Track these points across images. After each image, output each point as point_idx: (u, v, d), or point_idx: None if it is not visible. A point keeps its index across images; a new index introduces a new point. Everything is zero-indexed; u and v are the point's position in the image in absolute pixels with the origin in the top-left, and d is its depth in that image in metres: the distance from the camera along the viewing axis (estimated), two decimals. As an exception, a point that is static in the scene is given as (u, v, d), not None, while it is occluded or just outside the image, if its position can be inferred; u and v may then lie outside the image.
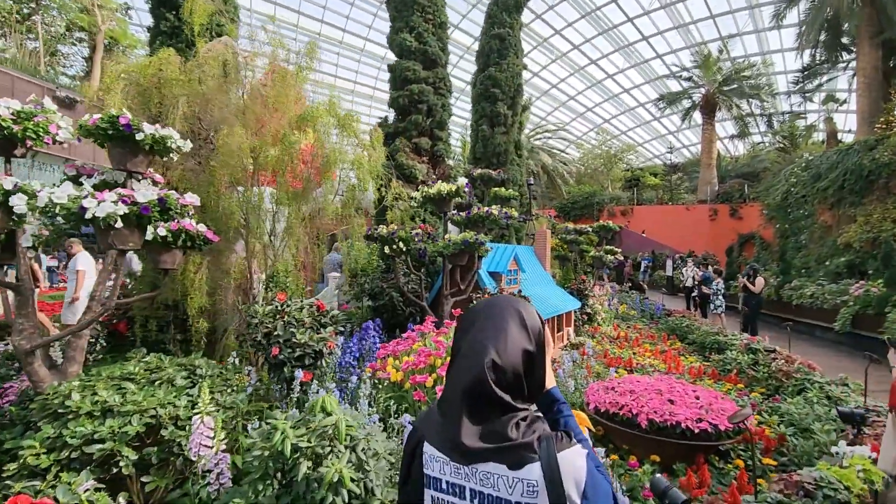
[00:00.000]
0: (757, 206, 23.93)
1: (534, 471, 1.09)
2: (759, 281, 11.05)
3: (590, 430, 4.73)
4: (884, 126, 14.60)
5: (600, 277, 23.04)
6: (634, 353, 8.65)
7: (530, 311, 1.28)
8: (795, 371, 6.34)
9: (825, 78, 24.27)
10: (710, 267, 13.70)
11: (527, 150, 28.32)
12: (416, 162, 8.31)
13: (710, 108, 29.32)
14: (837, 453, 3.67)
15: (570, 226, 12.17)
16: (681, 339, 10.27)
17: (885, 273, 10.46)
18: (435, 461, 1.26)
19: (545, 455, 1.10)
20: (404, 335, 4.75)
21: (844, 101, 26.89)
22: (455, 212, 6.46)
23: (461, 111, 33.35)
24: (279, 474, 2.77)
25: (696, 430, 4.08)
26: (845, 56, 21.66)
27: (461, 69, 32.66)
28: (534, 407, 1.31)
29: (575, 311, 10.32)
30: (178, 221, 3.78)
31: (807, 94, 26.54)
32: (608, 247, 11.99)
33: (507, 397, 1.16)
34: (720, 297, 11.37)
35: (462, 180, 6.11)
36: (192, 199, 3.58)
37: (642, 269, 22.54)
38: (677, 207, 29.85)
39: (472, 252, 6.02)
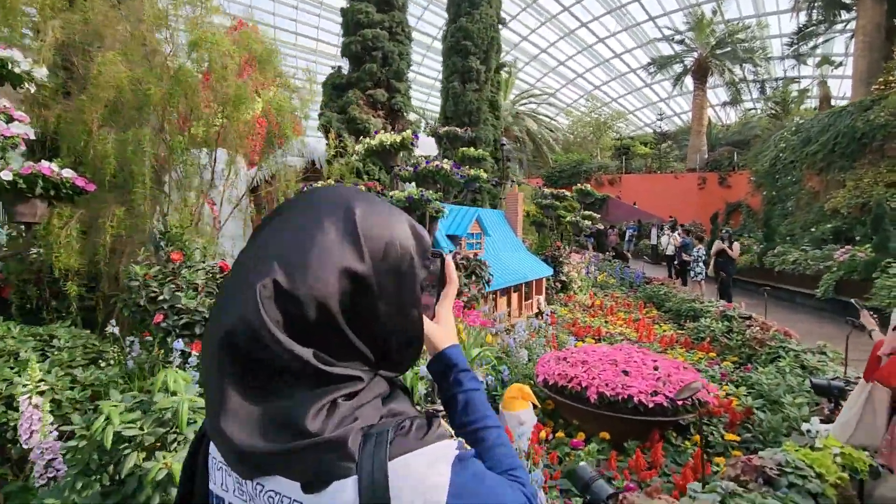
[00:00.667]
0: (746, 175, 23.41)
1: (344, 495, 0.60)
2: (736, 246, 10.60)
3: (535, 405, 4.24)
4: (882, 87, 13.93)
5: (583, 246, 22.61)
6: (606, 322, 8.18)
7: (381, 211, 0.70)
8: (770, 339, 5.87)
9: (821, 39, 23.37)
10: (689, 233, 13.20)
11: (511, 115, 27.42)
12: (371, 116, 7.60)
13: (702, 73, 28.43)
14: (808, 431, 3.18)
15: (547, 190, 11.55)
16: (658, 308, 9.83)
17: (873, 238, 9.99)
18: (217, 469, 0.73)
19: (368, 464, 0.59)
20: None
21: (840, 64, 26.06)
22: (401, 167, 5.84)
23: (432, 70, 31.53)
24: (111, 468, 2.21)
25: (651, 405, 3.58)
26: (844, 15, 20.77)
27: (429, 23, 30.77)
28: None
29: (548, 279, 9.80)
30: (32, 165, 3.12)
31: (801, 58, 25.65)
32: (586, 212, 11.40)
33: (307, 355, 0.61)
34: (700, 263, 10.89)
35: (409, 132, 5.45)
36: (20, 129, 2.90)
37: (627, 238, 22.04)
38: (666, 176, 29.27)
39: (421, 211, 5.40)
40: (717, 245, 10.65)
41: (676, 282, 12.15)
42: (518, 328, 5.02)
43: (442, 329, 0.93)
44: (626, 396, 3.62)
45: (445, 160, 5.59)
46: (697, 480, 3.30)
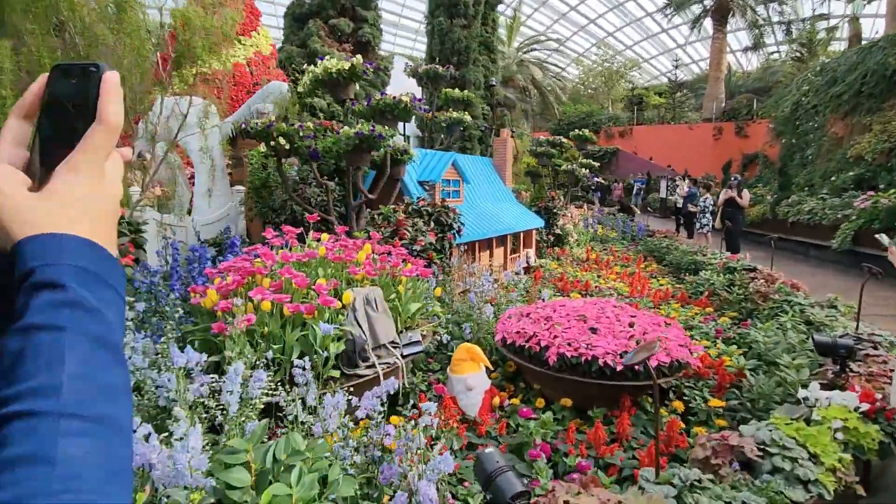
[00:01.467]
0: (765, 123, 22.01)
1: None
2: (746, 194, 9.79)
3: (488, 368, 3.72)
4: (917, 18, 12.55)
5: (590, 201, 21.73)
6: (599, 277, 7.58)
7: None
8: (775, 292, 5.23)
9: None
10: (696, 183, 12.31)
11: (515, 63, 25.98)
12: (336, 49, 6.83)
13: (722, 14, 26.45)
14: (806, 399, 2.61)
15: (542, 137, 10.71)
16: (659, 262, 9.17)
17: (899, 183, 9.11)
18: None
19: None
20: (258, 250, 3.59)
21: None
22: (354, 101, 5.12)
23: (417, 13, 29.13)
24: None
25: (619, 368, 3.02)
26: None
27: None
28: None
29: (540, 232, 9.16)
30: None
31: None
32: (584, 160, 10.59)
33: None
34: (707, 214, 10.12)
35: (359, 58, 4.70)
36: None
37: (635, 192, 21.08)
38: (679, 127, 27.83)
39: (379, 151, 4.73)
40: (726, 193, 9.83)
41: (682, 235, 11.41)
42: (483, 281, 4.44)
43: (46, 201, 0.47)
44: (589, 358, 3.06)
45: (406, 93, 4.88)
46: (672, 458, 2.79)
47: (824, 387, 2.71)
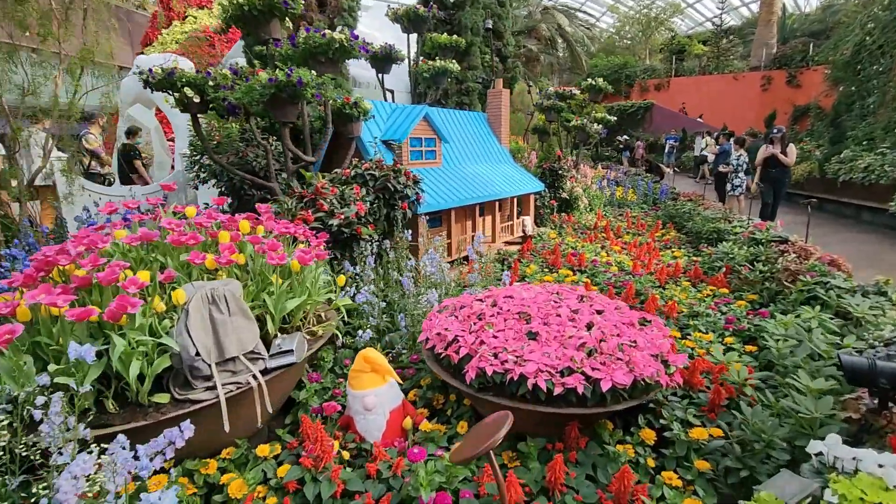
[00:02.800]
0: (821, 71, 19.61)
1: None
2: (792, 150, 8.28)
3: (399, 382, 2.91)
4: None
5: (618, 161, 20.15)
6: (603, 248, 6.61)
7: None
8: (808, 270, 4.18)
9: None
10: (729, 137, 10.80)
11: (539, 10, 24.00)
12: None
13: (776, -56, 23.50)
14: (820, 456, 1.72)
15: (552, 89, 9.48)
16: (679, 229, 8.05)
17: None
18: None
19: None
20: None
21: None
22: (278, 41, 4.20)
23: None
24: None
25: (559, 390, 2.19)
26: None
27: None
28: None
29: (542, 196, 8.16)
30: None
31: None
32: (600, 114, 9.33)
33: None
34: (741, 174, 8.76)
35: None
36: None
37: (666, 151, 19.31)
38: (723, 77, 25.34)
39: (301, 102, 3.86)
40: (765, 150, 8.41)
41: (708, 197, 10.09)
42: (427, 258, 3.61)
43: None
44: (516, 376, 2.24)
45: (343, 29, 3.96)
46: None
47: (850, 439, 1.81)
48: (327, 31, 3.80)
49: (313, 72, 3.80)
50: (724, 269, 5.19)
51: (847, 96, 14.71)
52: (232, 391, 2.15)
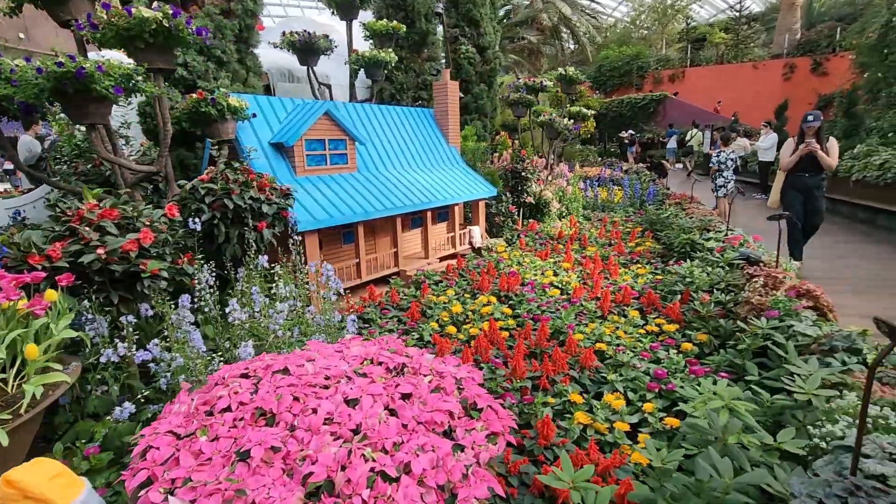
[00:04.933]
0: (849, 57, 17.98)
1: None
2: (834, 145, 5.62)
3: None
4: None
5: (623, 157, 18.90)
6: (556, 263, 5.67)
7: None
8: (770, 307, 3.19)
9: None
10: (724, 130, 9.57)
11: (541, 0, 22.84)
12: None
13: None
14: None
15: (521, 81, 8.52)
16: (657, 238, 7.01)
17: None
18: None
19: None
20: None
21: None
22: (79, 22, 3.37)
23: None
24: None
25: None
26: None
27: None
28: None
29: (505, 201, 7.23)
30: None
31: None
32: (576, 107, 8.31)
33: None
34: (724, 173, 7.59)
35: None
36: None
37: (668, 147, 18.01)
38: (741, 67, 23.71)
39: (93, 94, 3.03)
40: (793, 145, 5.76)
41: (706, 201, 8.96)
42: (255, 296, 2.77)
43: None
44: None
45: (162, 6, 3.15)
46: None
47: None
48: (138, 9, 3.01)
49: (129, 60, 3.02)
50: (681, 296, 4.21)
51: (872, 83, 13.25)
52: None
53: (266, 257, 3.38)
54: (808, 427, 1.97)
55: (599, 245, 6.66)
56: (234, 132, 4.17)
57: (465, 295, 4.59)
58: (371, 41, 6.74)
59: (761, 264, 4.01)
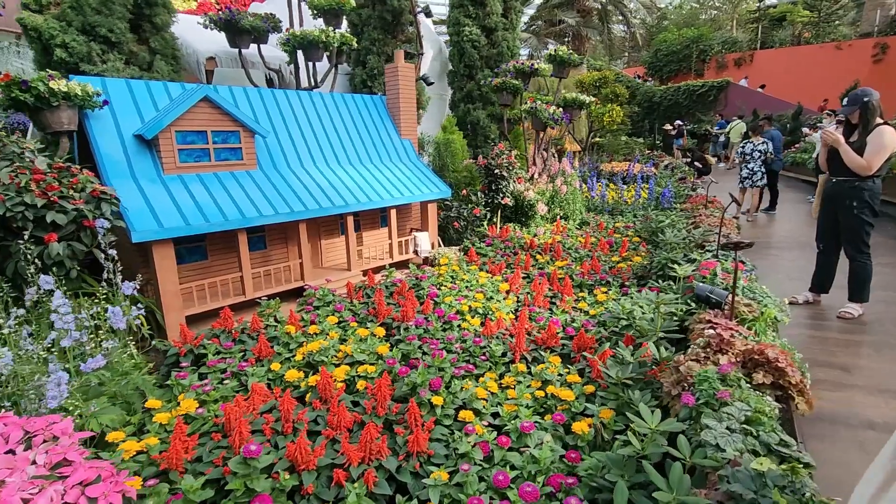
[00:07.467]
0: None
1: None
2: (880, 138, 3.71)
3: None
4: None
5: (667, 151, 16.93)
6: (506, 280, 4.66)
7: None
8: (696, 381, 2.08)
9: None
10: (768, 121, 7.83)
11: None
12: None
13: None
14: None
15: (510, 63, 7.37)
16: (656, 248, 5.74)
17: None
18: None
19: None
20: None
21: None
22: None
23: None
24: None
25: None
26: None
27: None
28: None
29: (476, 202, 6.23)
30: None
31: None
32: (572, 94, 7.09)
33: None
34: (749, 164, 6.39)
35: None
36: None
37: (716, 140, 15.95)
38: (821, 48, 20.74)
39: None
40: (832, 133, 3.93)
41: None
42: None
43: None
44: None
45: None
46: None
47: None
48: None
49: None
50: (622, 341, 3.11)
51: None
52: None
53: (50, 278, 2.68)
54: None
55: (577, 258, 5.52)
56: (72, 122, 3.53)
57: (354, 324, 3.71)
58: (320, 19, 5.94)
59: (724, 309, 2.82)
